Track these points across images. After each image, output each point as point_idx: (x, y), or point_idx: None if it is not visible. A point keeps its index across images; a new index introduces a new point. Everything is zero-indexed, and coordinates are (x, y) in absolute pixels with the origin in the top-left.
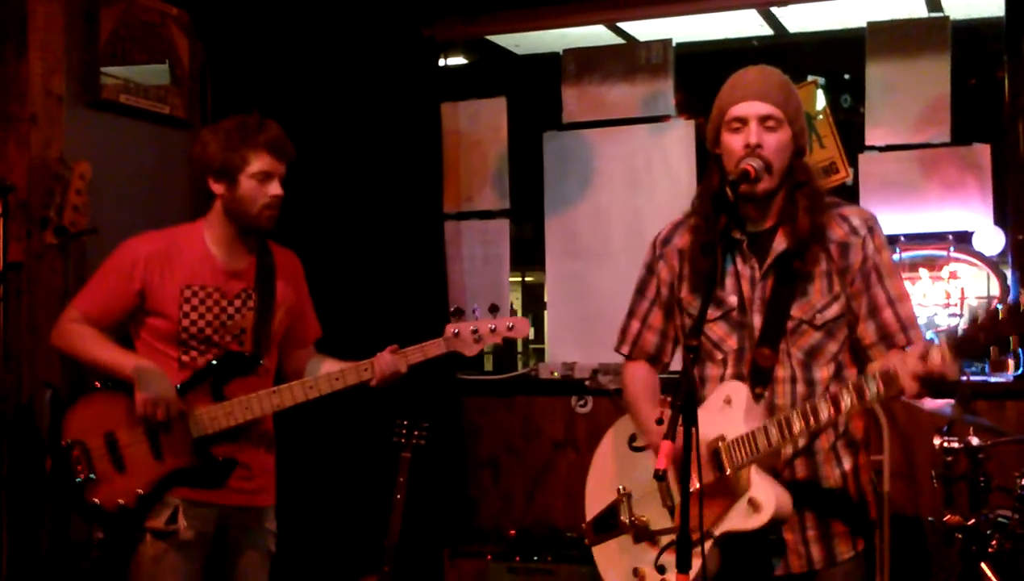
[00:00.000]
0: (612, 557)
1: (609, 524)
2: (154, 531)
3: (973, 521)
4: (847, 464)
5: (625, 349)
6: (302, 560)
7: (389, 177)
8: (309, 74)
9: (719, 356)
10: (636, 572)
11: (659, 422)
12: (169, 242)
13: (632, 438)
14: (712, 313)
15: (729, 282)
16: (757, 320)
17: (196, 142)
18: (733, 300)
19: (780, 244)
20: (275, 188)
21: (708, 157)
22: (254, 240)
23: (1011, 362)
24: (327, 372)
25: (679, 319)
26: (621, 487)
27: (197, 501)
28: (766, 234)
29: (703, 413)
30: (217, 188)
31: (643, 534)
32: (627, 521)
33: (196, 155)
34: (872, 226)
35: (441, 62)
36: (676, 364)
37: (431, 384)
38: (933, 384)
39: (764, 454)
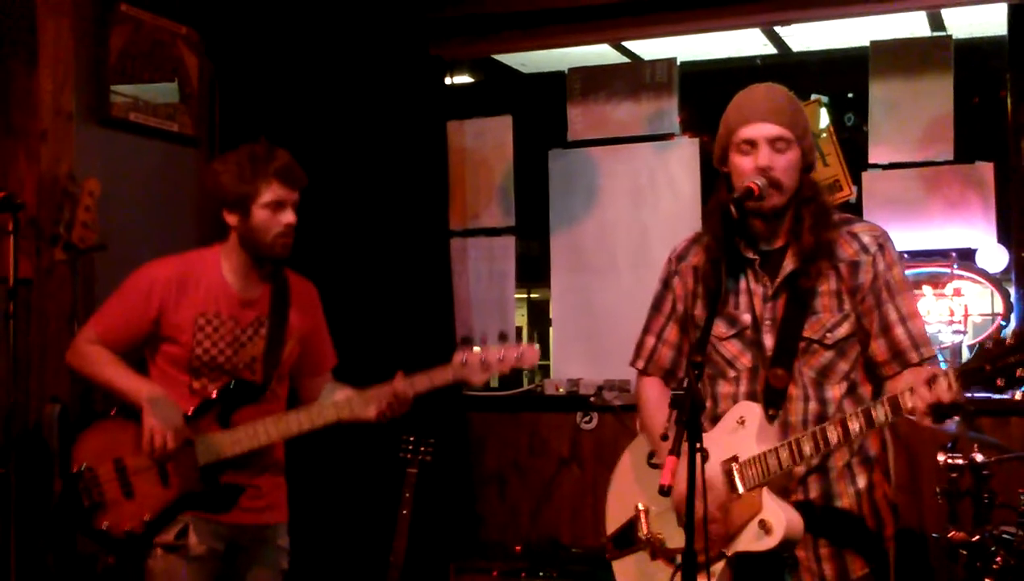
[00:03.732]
0: (630, 573)
1: (628, 540)
2: (164, 546)
3: (977, 537)
4: (861, 482)
5: (640, 364)
6: (308, 576)
7: (396, 194)
8: (317, 92)
9: (731, 374)
10: None
11: (664, 438)
12: (186, 268)
13: (651, 455)
14: (726, 331)
15: (743, 300)
16: (769, 340)
17: (207, 174)
18: (747, 318)
19: (789, 264)
20: (288, 216)
21: (713, 174)
22: (270, 268)
23: None
24: (334, 401)
25: (692, 335)
26: (640, 504)
27: (207, 519)
28: (777, 253)
29: (717, 433)
30: (231, 219)
31: (659, 551)
32: (644, 537)
33: (209, 187)
34: (882, 243)
35: (448, 81)
36: None
37: (437, 400)
38: (939, 411)
39: (775, 476)
